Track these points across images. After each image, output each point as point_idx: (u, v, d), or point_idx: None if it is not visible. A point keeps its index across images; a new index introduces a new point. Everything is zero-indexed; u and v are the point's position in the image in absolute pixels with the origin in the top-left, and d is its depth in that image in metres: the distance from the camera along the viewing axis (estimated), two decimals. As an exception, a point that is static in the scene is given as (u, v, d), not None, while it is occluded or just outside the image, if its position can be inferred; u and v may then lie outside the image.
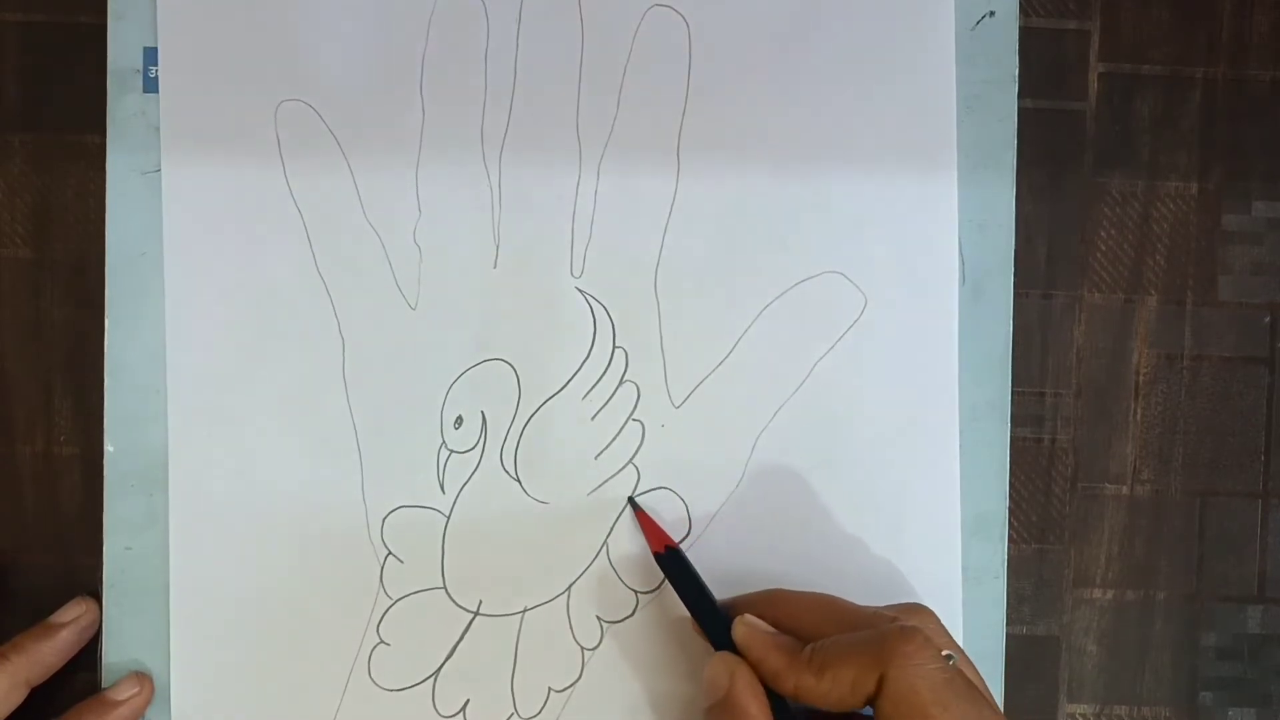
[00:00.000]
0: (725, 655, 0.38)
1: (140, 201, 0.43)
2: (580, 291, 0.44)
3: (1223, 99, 0.46)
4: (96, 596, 0.43)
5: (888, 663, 0.35)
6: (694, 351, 0.44)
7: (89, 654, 0.43)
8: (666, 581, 0.42)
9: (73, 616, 0.42)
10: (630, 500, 0.43)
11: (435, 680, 0.43)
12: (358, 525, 0.43)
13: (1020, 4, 0.44)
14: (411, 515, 0.43)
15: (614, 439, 0.44)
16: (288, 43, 0.43)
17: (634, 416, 0.44)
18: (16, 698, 0.40)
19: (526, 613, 0.44)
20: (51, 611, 0.43)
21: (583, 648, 0.44)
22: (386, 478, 0.43)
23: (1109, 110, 0.45)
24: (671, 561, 0.41)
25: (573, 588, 0.44)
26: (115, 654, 0.43)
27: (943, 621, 0.39)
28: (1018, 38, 0.44)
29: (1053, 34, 0.45)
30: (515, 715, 0.43)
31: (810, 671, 0.36)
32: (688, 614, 0.41)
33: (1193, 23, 0.45)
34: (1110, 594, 0.46)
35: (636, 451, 0.44)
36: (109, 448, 0.43)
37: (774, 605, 0.39)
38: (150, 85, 0.43)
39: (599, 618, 0.44)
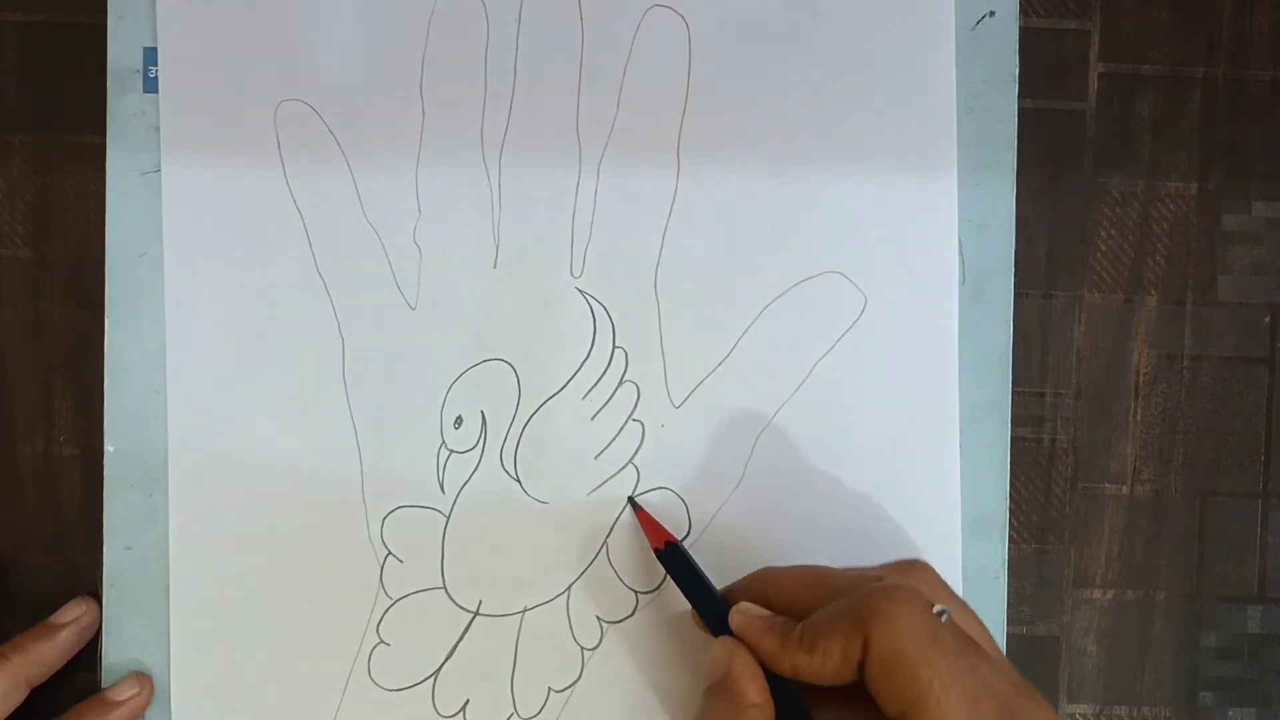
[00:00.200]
0: (726, 639, 0.38)
1: (140, 201, 0.43)
2: (580, 291, 0.44)
3: (1223, 99, 0.45)
4: (96, 596, 0.43)
5: (869, 625, 0.33)
6: (694, 351, 0.44)
7: (89, 654, 0.43)
8: (666, 581, 0.42)
9: (73, 616, 0.42)
10: (630, 500, 0.43)
11: (435, 680, 0.43)
12: (358, 525, 0.43)
13: (1020, 4, 0.44)
14: (411, 515, 0.43)
15: (614, 439, 0.44)
16: (288, 43, 0.43)
17: (634, 416, 0.44)
18: (16, 698, 0.40)
19: (526, 613, 0.44)
20: (51, 611, 0.43)
21: (583, 648, 0.44)
22: (386, 478, 0.43)
23: (1109, 110, 0.45)
24: (672, 556, 0.41)
25: (572, 588, 0.44)
26: (115, 654, 0.43)
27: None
28: (1018, 38, 0.44)
29: (1053, 34, 0.45)
30: (515, 715, 0.43)
31: (802, 650, 0.35)
32: (687, 613, 0.41)
33: (1193, 23, 0.45)
34: (1110, 594, 0.45)
35: (636, 451, 0.44)
36: (109, 448, 0.43)
37: (766, 585, 0.39)
38: (150, 85, 0.43)
39: (599, 618, 0.44)
